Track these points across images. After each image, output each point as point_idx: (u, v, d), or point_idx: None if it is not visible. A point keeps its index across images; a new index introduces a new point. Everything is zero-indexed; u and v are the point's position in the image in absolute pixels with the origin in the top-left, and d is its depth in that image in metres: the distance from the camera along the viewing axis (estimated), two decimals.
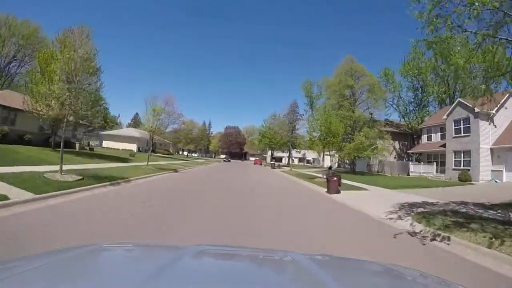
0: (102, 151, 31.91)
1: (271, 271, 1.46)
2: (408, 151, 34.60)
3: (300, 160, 79.48)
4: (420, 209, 9.70)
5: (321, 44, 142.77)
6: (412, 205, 10.52)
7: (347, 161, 53.99)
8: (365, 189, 14.96)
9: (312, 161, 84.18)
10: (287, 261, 1.53)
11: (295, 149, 62.11)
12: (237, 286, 1.01)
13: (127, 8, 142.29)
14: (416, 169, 29.46)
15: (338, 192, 12.85)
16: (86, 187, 8.70)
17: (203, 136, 75.75)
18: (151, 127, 16.74)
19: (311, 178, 19.36)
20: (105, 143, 48.89)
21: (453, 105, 26.59)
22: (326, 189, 13.94)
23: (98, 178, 10.52)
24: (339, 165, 45.00)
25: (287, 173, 27.79)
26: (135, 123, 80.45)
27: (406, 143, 39.37)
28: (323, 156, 65.83)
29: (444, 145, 27.47)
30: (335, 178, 12.71)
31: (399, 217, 8.53)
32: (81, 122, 35.27)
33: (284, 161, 73.53)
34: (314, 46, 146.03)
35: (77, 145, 28.88)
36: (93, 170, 12.54)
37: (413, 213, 8.93)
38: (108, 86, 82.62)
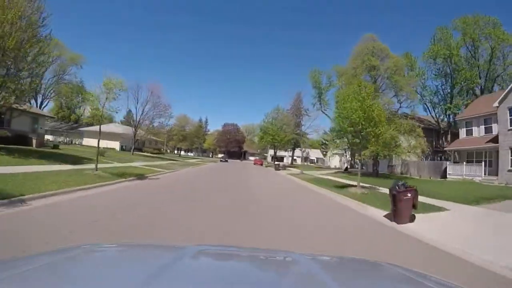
0: (71, 149, 26.16)
1: (271, 271, 1.42)
2: (444, 148, 29.08)
3: (303, 159, 73.66)
4: None
5: (322, 44, 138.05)
6: None
7: (358, 161, 48.33)
8: (441, 208, 9.34)
9: (316, 161, 78.38)
10: (288, 261, 1.54)
11: (299, 148, 56.43)
12: (237, 286, 0.99)
13: (126, 8, 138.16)
14: (456, 171, 23.82)
15: (412, 219, 7.19)
16: None
17: (199, 133, 69.73)
18: (99, 109, 10.80)
19: (339, 187, 13.52)
20: (86, 141, 43.08)
21: (508, 89, 21.00)
22: (381, 211, 8.36)
23: None
24: (351, 166, 39.24)
25: (299, 178, 21.79)
26: (128, 120, 74.41)
27: (431, 139, 33.86)
28: (330, 155, 60.18)
29: (492, 140, 21.96)
30: (409, 195, 7.03)
31: None
32: (41, 113, 29.53)
33: (286, 160, 67.82)
34: (315, 46, 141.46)
35: (35, 141, 23.09)
36: None
37: None
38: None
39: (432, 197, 11.78)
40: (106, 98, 10.63)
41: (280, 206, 8.99)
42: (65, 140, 48.98)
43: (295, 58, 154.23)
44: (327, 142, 72.85)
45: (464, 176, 22.69)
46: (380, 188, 14.32)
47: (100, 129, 12.29)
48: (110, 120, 67.28)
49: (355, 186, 12.52)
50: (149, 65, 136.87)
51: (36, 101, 51.90)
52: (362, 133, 11.39)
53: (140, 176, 12.46)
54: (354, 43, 31.60)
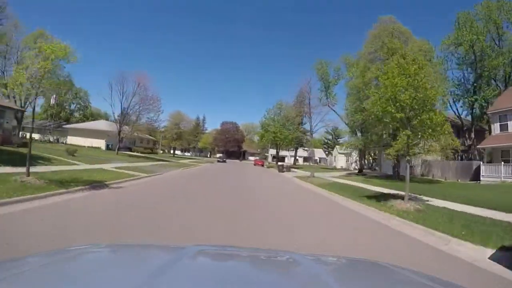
0: (45, 148, 22.63)
1: (272, 272, 1.37)
2: (477, 146, 25.65)
3: (305, 159, 69.97)
4: None
5: (322, 44, 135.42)
6: None
7: (366, 161, 44.56)
8: None
9: (318, 161, 74.63)
10: (289, 262, 1.51)
11: (303, 147, 52.89)
12: (237, 286, 0.98)
13: (126, 8, 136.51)
14: (491, 172, 20.33)
15: None
16: None
17: (197, 132, 66.07)
18: (19, 82, 7.09)
19: (372, 198, 9.51)
20: (71, 139, 39.39)
21: None
22: (474, 245, 4.89)
23: None
24: (361, 166, 35.66)
25: (311, 183, 17.70)
26: (122, 118, 70.11)
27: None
28: (337, 155, 56.55)
29: None
30: None
31: None
32: (9, 106, 25.89)
33: (287, 160, 64.25)
34: (315, 46, 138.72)
35: None
36: None
37: None
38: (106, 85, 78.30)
39: (510, 212, 8.22)
40: (39, 68, 7.09)
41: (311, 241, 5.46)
42: (51, 139, 45.49)
43: (295, 58, 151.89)
44: (329, 142, 69.57)
45: (503, 179, 19.22)
46: (424, 197, 10.73)
47: (33, 118, 8.77)
48: (106, 118, 63.56)
49: (395, 196, 8.94)
50: (149, 65, 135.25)
51: (20, 97, 48.27)
52: (412, 122, 7.86)
53: (97, 185, 8.84)
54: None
